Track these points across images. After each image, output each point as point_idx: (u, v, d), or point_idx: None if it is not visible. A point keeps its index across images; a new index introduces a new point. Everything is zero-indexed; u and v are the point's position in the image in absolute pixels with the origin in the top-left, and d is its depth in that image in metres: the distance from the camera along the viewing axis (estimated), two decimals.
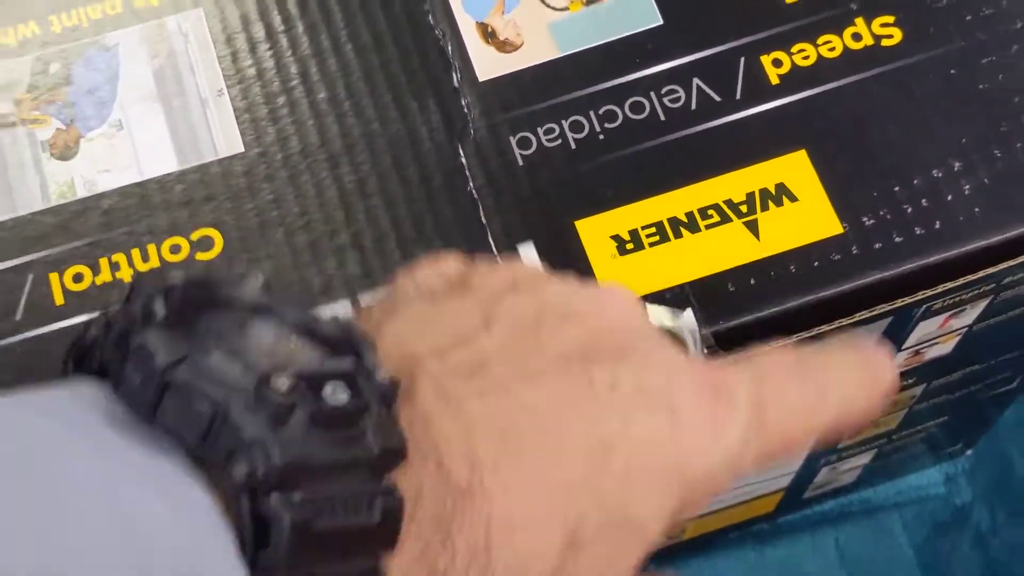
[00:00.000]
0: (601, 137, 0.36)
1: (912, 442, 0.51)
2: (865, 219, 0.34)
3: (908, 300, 0.34)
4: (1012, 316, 0.40)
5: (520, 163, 0.36)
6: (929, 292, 0.34)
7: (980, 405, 0.49)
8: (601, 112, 0.36)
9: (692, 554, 0.54)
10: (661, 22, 0.37)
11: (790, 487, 0.51)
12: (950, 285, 0.34)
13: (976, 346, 0.41)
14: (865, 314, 0.34)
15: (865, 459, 0.51)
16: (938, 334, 0.39)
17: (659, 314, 0.33)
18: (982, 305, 0.38)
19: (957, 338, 0.40)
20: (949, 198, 0.35)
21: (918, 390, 0.44)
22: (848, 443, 0.47)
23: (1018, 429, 0.55)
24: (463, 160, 0.36)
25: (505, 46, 0.37)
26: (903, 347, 0.39)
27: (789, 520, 0.55)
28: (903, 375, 0.42)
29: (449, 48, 0.37)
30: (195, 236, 0.35)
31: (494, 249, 0.35)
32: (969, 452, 0.56)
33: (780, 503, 0.53)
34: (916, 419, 0.48)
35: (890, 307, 0.34)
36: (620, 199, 0.35)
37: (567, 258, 0.34)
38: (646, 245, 0.35)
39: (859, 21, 0.37)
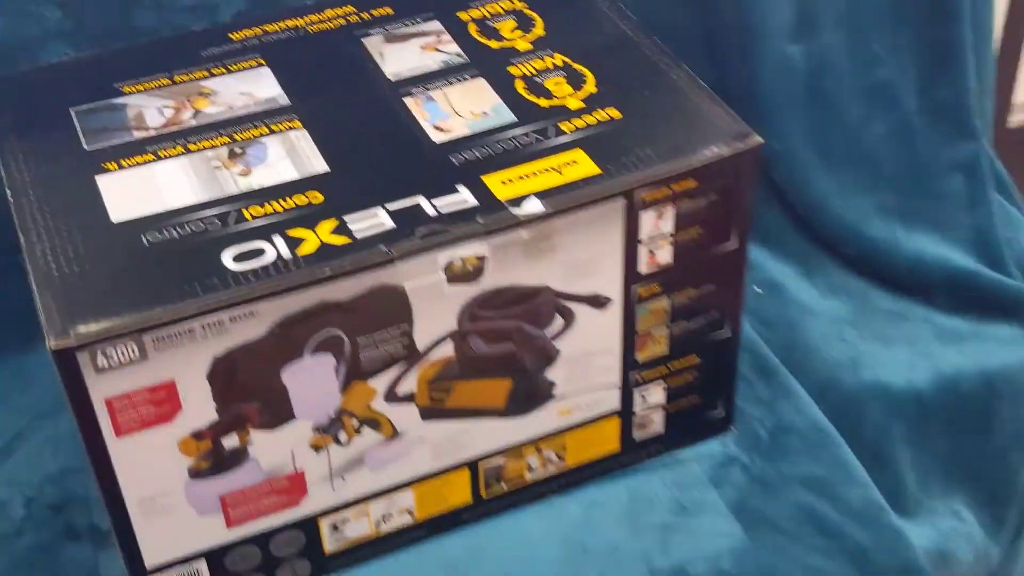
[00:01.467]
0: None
1: (687, 385, 0.90)
2: (611, 167, 0.79)
3: (625, 188, 0.78)
4: (692, 239, 0.82)
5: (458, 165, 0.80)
6: (635, 184, 0.78)
7: (713, 354, 0.89)
8: None
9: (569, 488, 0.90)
10: None
11: (623, 412, 0.89)
12: (644, 180, 0.78)
13: (686, 264, 0.83)
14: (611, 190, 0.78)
15: (661, 397, 0.89)
16: (656, 234, 0.81)
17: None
18: (671, 212, 0.80)
19: (670, 247, 0.82)
20: (649, 151, 0.80)
21: (667, 303, 0.85)
22: (641, 359, 0.86)
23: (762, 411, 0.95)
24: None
25: None
26: (640, 239, 0.81)
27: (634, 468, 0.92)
28: (651, 277, 0.83)
29: None
30: None
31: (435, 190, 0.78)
32: (732, 428, 0.95)
33: (622, 440, 0.90)
34: (678, 348, 0.87)
35: (621, 189, 0.78)
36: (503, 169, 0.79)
37: (479, 192, 0.78)
38: (515, 181, 0.78)
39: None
